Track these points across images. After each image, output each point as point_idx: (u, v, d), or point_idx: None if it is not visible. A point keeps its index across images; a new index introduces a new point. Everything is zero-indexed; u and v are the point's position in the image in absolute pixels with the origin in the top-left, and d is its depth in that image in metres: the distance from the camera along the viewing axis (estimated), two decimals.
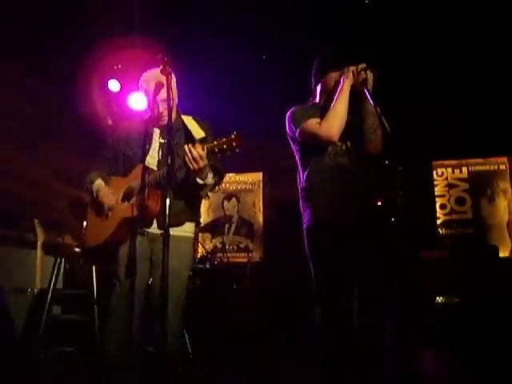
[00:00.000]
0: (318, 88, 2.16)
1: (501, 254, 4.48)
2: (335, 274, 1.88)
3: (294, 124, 2.07)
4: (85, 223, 2.32)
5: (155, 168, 2.05)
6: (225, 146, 1.78)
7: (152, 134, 2.15)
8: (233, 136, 1.77)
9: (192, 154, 1.81)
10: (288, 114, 2.13)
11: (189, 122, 2.14)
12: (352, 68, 1.99)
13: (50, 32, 3.77)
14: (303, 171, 2.08)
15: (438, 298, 3.59)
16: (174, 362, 1.94)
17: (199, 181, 1.95)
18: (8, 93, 3.89)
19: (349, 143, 2.03)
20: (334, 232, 1.90)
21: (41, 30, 3.75)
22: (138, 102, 4.38)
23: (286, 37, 4.03)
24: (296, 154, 2.15)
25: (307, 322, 1.94)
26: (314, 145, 2.03)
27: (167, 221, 1.66)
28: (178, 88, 2.14)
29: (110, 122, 4.60)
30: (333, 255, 1.89)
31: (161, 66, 1.86)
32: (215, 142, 1.81)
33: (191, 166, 1.84)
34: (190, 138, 2.04)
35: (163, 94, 1.99)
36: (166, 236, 1.62)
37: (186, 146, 1.85)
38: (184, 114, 2.22)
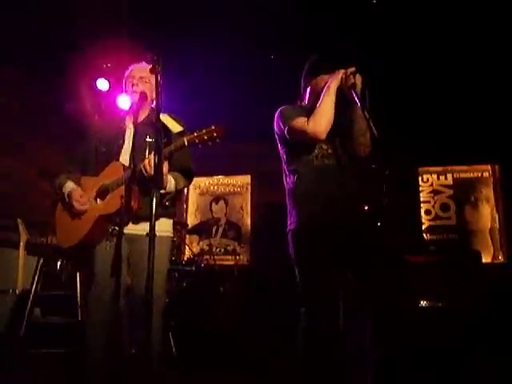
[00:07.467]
0: (308, 90, 2.16)
1: (483, 260, 4.55)
2: (319, 277, 1.89)
3: (282, 122, 2.06)
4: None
5: (127, 164, 2.04)
6: (205, 137, 1.79)
7: (125, 131, 2.15)
8: (213, 127, 1.79)
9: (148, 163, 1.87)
10: (277, 112, 2.13)
11: (165, 118, 2.12)
12: (341, 71, 2.00)
13: (38, 30, 3.72)
14: (290, 172, 2.08)
15: (421, 302, 3.64)
16: (155, 360, 1.92)
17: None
18: None
19: (336, 145, 2.04)
20: (319, 235, 1.90)
21: (29, 28, 3.70)
22: (127, 102, 4.34)
23: (275, 42, 4.04)
24: (283, 155, 2.14)
25: (294, 325, 1.94)
26: (301, 145, 2.02)
27: (153, 221, 1.63)
28: (163, 89, 2.14)
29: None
30: (317, 258, 1.90)
31: (150, 65, 1.86)
32: (195, 134, 1.82)
33: (145, 173, 1.87)
34: (167, 134, 2.03)
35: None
36: (152, 236, 1.60)
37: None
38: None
